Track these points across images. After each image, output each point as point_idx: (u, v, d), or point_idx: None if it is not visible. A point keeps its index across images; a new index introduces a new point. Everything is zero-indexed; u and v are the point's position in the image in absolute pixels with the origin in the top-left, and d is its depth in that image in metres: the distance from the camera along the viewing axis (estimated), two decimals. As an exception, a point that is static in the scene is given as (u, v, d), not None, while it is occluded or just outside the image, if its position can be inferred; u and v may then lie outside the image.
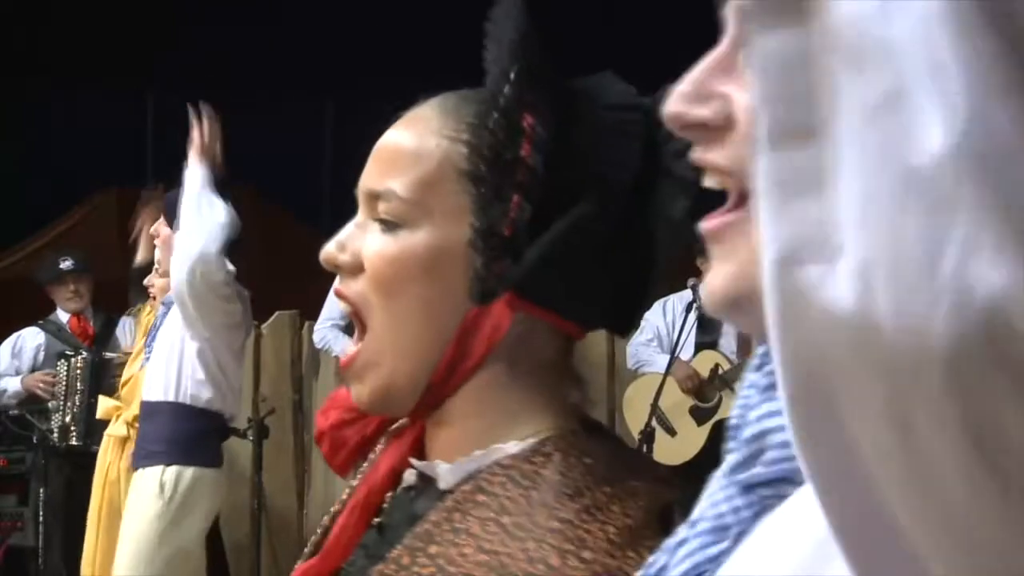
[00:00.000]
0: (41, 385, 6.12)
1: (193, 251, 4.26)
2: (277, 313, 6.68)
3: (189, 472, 4.61)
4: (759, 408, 0.68)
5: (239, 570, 6.01)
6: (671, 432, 5.62)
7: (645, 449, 4.78)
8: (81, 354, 6.13)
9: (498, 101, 1.03)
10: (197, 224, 4.28)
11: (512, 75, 1.03)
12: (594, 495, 1.02)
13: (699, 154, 0.68)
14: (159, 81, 9.06)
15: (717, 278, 0.67)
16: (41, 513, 5.99)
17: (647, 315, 5.92)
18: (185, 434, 4.63)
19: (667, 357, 5.51)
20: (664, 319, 5.84)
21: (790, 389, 0.45)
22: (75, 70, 8.63)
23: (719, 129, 0.67)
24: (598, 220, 1.05)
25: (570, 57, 1.17)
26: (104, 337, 6.34)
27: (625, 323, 1.16)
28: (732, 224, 0.66)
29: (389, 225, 1.09)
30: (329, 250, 1.11)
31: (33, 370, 6.26)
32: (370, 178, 1.11)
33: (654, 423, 5.06)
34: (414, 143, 1.09)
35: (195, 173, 4.32)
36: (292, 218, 8.61)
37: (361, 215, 1.12)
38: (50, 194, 8.87)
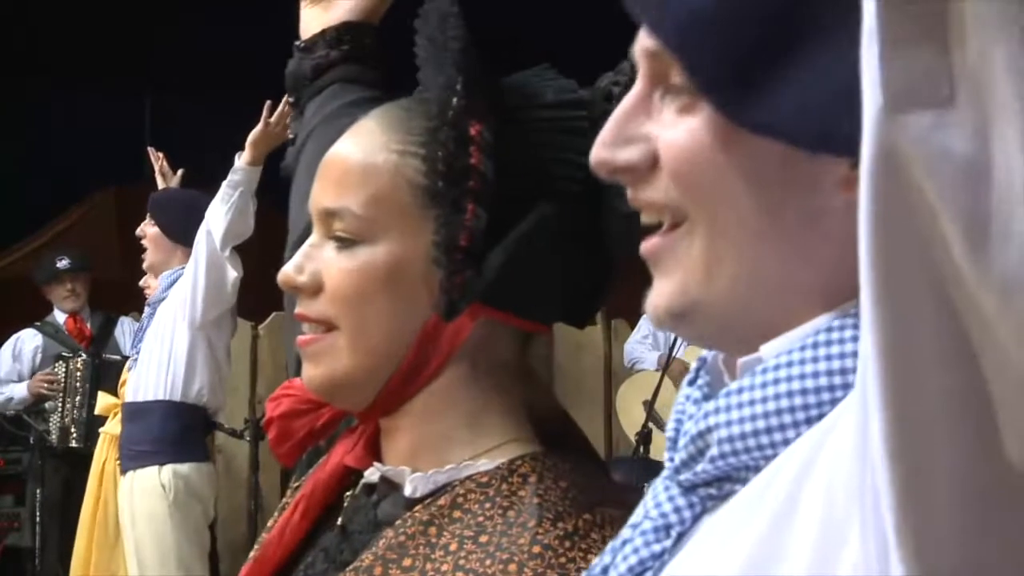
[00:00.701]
0: (45, 385, 6.10)
1: (219, 229, 4.42)
2: (274, 314, 6.67)
3: (185, 469, 4.63)
4: (701, 408, 0.70)
5: (236, 570, 6.01)
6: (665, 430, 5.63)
7: (642, 451, 4.78)
8: (80, 356, 6.12)
9: (446, 113, 1.03)
10: (222, 215, 4.43)
11: (458, 86, 1.03)
12: (575, 521, 1.02)
13: (633, 195, 0.72)
14: (157, 81, 9.06)
15: (659, 295, 0.72)
16: (38, 513, 5.99)
17: (646, 314, 5.99)
18: (176, 433, 4.65)
19: (657, 354, 5.57)
20: None
21: (880, 239, 0.45)
22: (75, 70, 8.63)
23: (646, 169, 0.70)
24: (554, 220, 1.06)
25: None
26: (103, 338, 6.32)
27: (584, 316, 1.17)
28: (667, 245, 0.71)
29: (346, 242, 1.09)
30: (287, 272, 1.12)
31: (32, 372, 6.25)
32: (324, 196, 1.11)
33: (650, 425, 5.06)
34: (363, 158, 1.09)
35: (238, 165, 4.43)
36: (290, 219, 8.58)
37: (316, 235, 1.12)
38: (49, 194, 8.86)
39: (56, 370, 6.12)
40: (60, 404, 6.03)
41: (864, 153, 0.44)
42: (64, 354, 6.16)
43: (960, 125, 0.41)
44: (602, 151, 0.72)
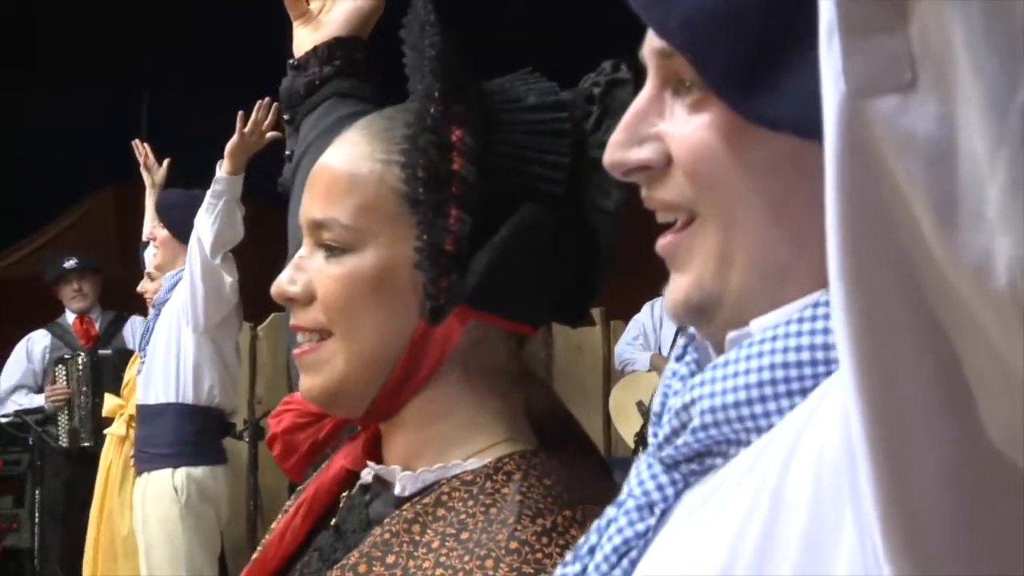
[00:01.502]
0: (53, 397, 6.09)
1: (208, 239, 4.40)
2: (273, 315, 6.67)
3: (199, 472, 4.64)
4: (687, 382, 0.71)
5: (235, 570, 6.00)
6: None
7: (642, 451, 4.78)
8: (79, 356, 6.11)
9: (426, 120, 1.04)
10: (208, 225, 4.40)
11: (436, 94, 1.04)
12: (554, 518, 1.03)
13: (647, 194, 0.73)
14: (157, 81, 9.06)
15: (676, 290, 0.72)
16: (37, 514, 5.99)
17: (636, 316, 6.07)
18: (190, 435, 4.66)
19: (649, 354, 5.60)
20: (652, 318, 6.01)
21: (849, 227, 0.45)
22: (73, 70, 8.63)
23: (661, 168, 0.71)
24: (538, 222, 1.07)
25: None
26: (110, 336, 6.30)
27: (576, 315, 1.18)
28: (682, 241, 0.72)
29: (335, 251, 1.11)
30: (279, 284, 1.13)
31: (43, 372, 6.24)
32: (312, 208, 1.13)
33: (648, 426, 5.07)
34: (348, 169, 1.11)
35: (220, 175, 4.41)
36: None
37: (306, 247, 1.14)
38: (48, 194, 8.86)
39: (56, 373, 6.11)
40: (66, 405, 6.03)
41: (829, 143, 0.44)
42: (65, 356, 6.16)
43: (924, 107, 0.41)
44: (616, 152, 0.72)
